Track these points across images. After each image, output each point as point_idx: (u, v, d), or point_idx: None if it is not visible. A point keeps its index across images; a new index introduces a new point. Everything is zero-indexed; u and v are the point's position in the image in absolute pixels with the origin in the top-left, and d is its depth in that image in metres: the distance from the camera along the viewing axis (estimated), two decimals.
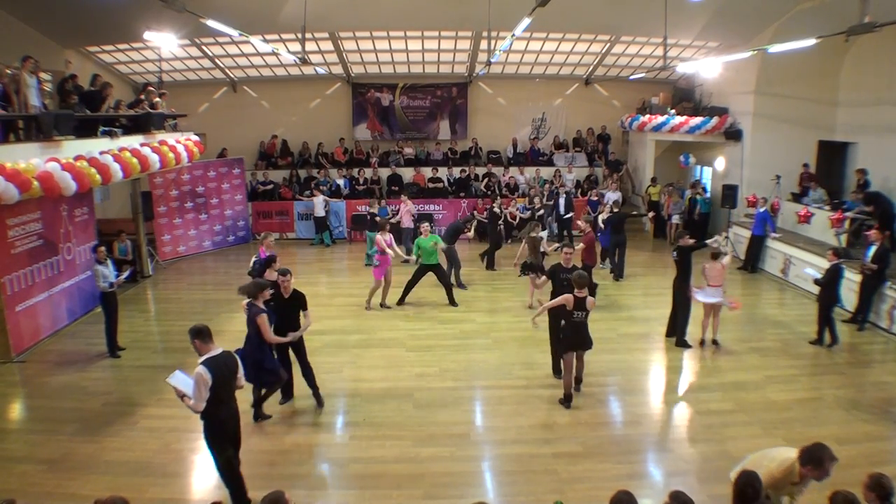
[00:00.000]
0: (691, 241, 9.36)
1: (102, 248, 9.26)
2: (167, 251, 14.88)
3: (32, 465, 6.21)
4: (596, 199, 15.91)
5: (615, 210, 13.67)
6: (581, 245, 11.09)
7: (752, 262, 13.61)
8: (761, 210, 13.18)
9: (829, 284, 9.30)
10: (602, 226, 13.02)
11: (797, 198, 14.14)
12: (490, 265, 13.79)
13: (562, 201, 15.71)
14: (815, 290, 11.61)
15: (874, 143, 13.41)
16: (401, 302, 11.18)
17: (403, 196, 14.71)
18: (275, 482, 5.01)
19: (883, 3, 7.80)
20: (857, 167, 12.92)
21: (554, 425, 7.02)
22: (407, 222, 14.48)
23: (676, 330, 9.27)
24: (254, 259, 9.33)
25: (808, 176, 14.24)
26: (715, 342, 9.23)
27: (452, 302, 11.20)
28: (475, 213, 16.27)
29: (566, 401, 7.42)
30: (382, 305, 11.11)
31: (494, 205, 14.68)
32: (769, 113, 14.75)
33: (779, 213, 13.71)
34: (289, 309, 7.20)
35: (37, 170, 8.26)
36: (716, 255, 9.06)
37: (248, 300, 6.81)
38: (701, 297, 9.06)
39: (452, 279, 12.06)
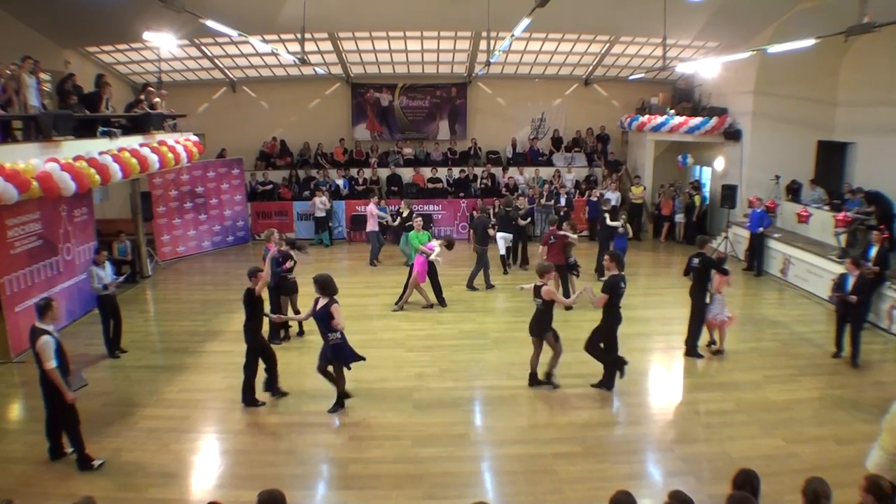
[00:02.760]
0: (715, 255, 9.11)
1: (104, 253, 9.28)
2: (166, 251, 14.87)
3: (31, 465, 6.20)
4: (595, 199, 15.92)
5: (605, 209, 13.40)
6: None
7: (756, 263, 13.43)
8: (758, 210, 13.18)
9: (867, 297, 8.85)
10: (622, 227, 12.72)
11: (796, 194, 14.18)
12: (524, 262, 13.73)
13: (563, 201, 15.82)
14: (811, 290, 11.75)
15: (873, 143, 13.44)
16: (399, 302, 11.17)
17: (374, 198, 14.78)
18: (273, 482, 4.98)
19: (882, 3, 7.79)
20: (856, 172, 12.94)
21: (553, 425, 7.03)
22: (372, 225, 14.40)
23: (687, 339, 9.00)
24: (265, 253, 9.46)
25: (797, 185, 14.30)
26: (720, 352, 9.00)
27: (441, 301, 11.20)
28: (474, 213, 16.28)
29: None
30: (430, 306, 11.10)
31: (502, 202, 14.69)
32: (768, 113, 14.76)
33: (776, 212, 13.70)
34: (261, 307, 7.56)
35: (36, 170, 8.25)
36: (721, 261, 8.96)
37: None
38: (715, 314, 8.88)
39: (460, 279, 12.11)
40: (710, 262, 8.75)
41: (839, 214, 11.68)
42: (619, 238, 12.26)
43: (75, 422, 6.12)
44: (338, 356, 7.20)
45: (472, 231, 12.23)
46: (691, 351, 8.94)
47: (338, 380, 7.33)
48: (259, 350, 7.49)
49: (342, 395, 7.40)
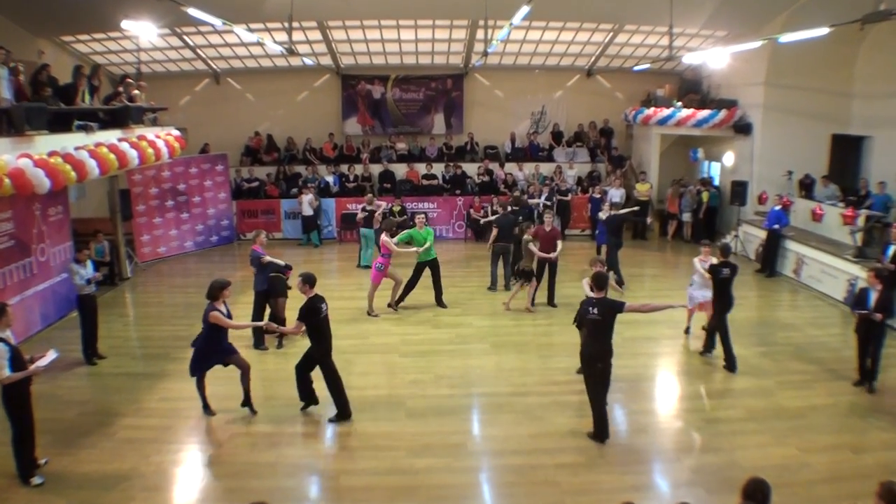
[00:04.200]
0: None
1: (86, 252, 9.32)
2: (146, 252, 14.81)
3: (3, 479, 6.16)
4: (598, 196, 15.93)
5: (613, 212, 12.89)
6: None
7: (769, 264, 13.38)
8: (776, 209, 13.18)
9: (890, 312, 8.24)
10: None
11: (808, 190, 14.21)
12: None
13: (543, 198, 15.81)
14: (825, 291, 11.77)
15: (891, 136, 13.45)
16: (398, 303, 11.15)
17: (370, 195, 14.77)
18: (260, 495, 4.97)
19: None
20: (872, 168, 12.97)
21: (555, 434, 7.02)
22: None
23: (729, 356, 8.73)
24: (252, 255, 9.45)
25: (810, 181, 14.38)
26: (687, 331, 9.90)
27: (440, 303, 11.25)
28: (471, 211, 16.30)
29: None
30: (389, 306, 11.13)
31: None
32: (780, 105, 14.80)
33: (791, 209, 13.73)
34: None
35: (8, 166, 8.20)
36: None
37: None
38: (699, 295, 9.38)
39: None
40: (737, 268, 8.83)
41: (847, 210, 11.73)
42: (601, 232, 12.54)
43: (28, 431, 6.13)
44: None
45: (495, 229, 12.06)
46: (733, 365, 8.65)
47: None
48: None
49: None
